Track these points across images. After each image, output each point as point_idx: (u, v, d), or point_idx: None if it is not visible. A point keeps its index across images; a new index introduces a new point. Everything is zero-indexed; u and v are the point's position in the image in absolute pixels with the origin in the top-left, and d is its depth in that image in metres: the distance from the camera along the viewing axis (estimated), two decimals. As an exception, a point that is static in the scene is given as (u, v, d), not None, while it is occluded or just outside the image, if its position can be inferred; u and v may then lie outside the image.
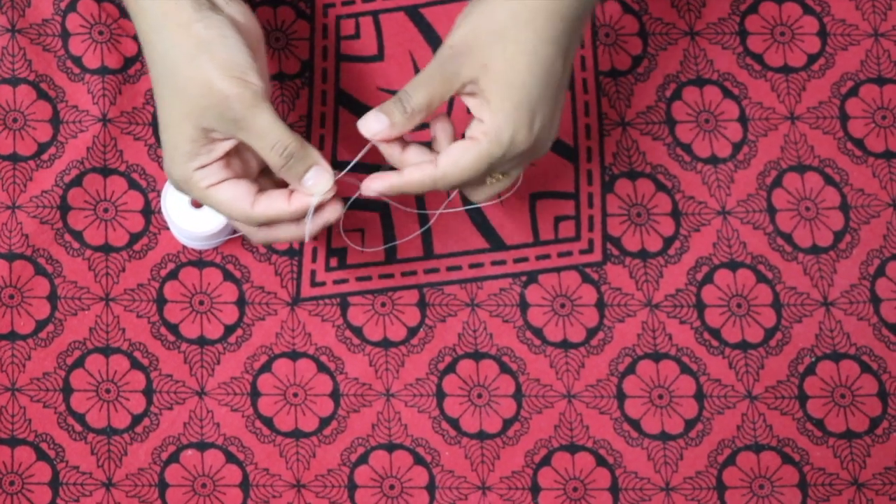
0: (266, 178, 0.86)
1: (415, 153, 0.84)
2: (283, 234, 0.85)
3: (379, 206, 1.04)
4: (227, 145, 0.82)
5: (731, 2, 1.08)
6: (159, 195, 1.01)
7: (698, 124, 1.07)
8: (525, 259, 1.04)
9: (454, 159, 0.81)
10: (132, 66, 1.04)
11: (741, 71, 1.08)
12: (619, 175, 1.05)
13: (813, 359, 1.03)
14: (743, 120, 1.07)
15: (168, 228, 1.02)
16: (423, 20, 1.07)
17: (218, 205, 0.83)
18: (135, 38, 1.05)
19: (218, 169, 0.83)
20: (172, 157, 0.83)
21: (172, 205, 0.99)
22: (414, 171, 0.83)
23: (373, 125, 0.82)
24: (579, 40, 0.85)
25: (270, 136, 0.81)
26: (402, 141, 0.84)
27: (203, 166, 0.83)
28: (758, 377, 1.03)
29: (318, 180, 0.82)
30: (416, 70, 1.06)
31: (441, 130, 0.84)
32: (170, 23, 0.81)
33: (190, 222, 0.99)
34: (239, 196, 0.83)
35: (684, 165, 1.06)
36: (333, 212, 0.83)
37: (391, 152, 0.84)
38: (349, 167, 0.84)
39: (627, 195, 1.05)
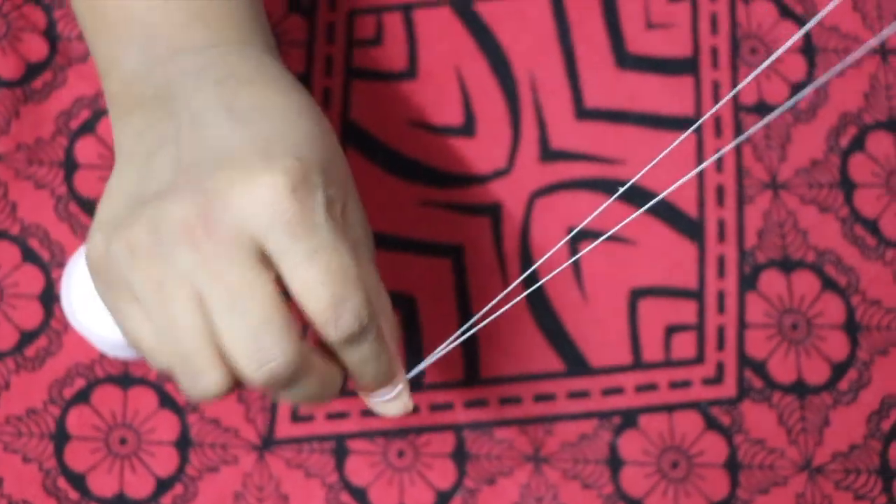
0: None
1: None
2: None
3: (399, 301, 0.69)
4: None
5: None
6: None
7: (889, 189, 0.70)
8: (619, 390, 0.68)
9: None
10: (38, 75, 0.69)
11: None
12: (766, 264, 0.69)
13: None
14: (960, 187, 0.70)
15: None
16: (477, 20, 0.71)
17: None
18: (45, 33, 0.70)
19: None
20: None
21: (80, 293, 0.64)
22: None
23: None
24: None
25: None
26: None
27: None
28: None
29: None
30: (464, 94, 0.70)
31: None
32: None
33: (107, 321, 0.64)
34: None
35: (867, 252, 0.69)
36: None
37: None
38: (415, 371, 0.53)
39: (779, 296, 0.69)
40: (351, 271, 0.47)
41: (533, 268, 0.55)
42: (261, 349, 0.46)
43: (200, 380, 0.48)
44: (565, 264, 0.59)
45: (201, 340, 0.47)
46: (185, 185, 0.47)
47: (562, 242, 0.52)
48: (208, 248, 0.46)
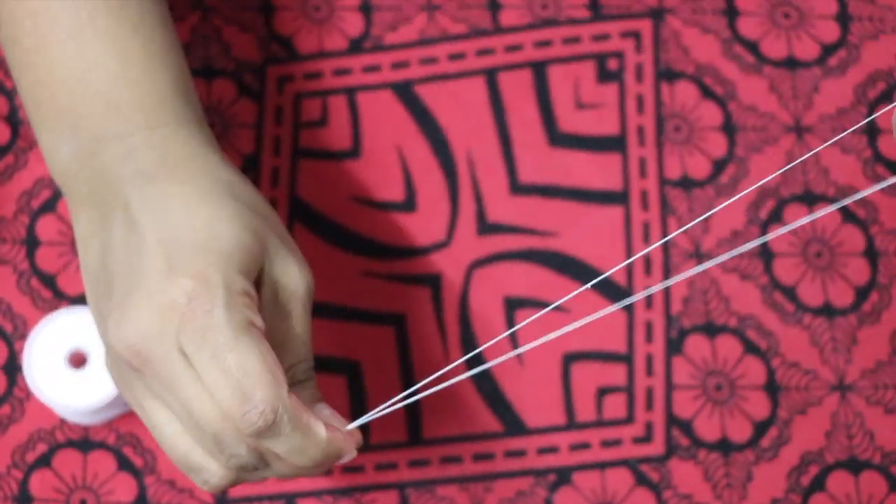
0: None
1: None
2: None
3: (345, 367, 0.73)
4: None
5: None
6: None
7: (805, 258, 0.75)
8: (554, 449, 0.72)
9: None
10: (0, 158, 0.73)
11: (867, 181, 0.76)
12: (690, 329, 0.73)
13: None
14: (871, 254, 0.75)
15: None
16: (417, 102, 0.76)
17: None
18: (8, 119, 0.74)
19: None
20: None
21: (41, 363, 0.68)
22: None
23: None
24: None
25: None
26: None
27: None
28: None
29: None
30: (406, 172, 0.75)
31: None
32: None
33: (68, 390, 0.68)
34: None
35: (786, 317, 0.74)
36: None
37: None
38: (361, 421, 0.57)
39: (703, 359, 0.73)
40: (254, 367, 0.51)
41: (479, 350, 0.60)
42: (223, 446, 0.52)
43: (203, 476, 0.53)
44: (511, 354, 0.63)
45: (188, 444, 0.53)
46: (111, 314, 0.52)
47: (512, 330, 0.56)
48: (149, 373, 0.51)
